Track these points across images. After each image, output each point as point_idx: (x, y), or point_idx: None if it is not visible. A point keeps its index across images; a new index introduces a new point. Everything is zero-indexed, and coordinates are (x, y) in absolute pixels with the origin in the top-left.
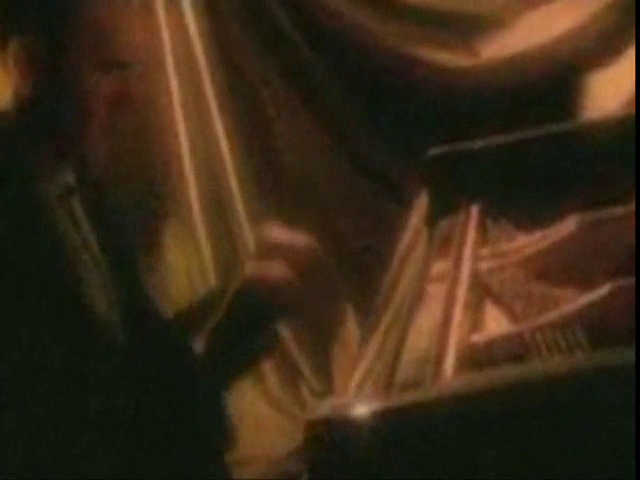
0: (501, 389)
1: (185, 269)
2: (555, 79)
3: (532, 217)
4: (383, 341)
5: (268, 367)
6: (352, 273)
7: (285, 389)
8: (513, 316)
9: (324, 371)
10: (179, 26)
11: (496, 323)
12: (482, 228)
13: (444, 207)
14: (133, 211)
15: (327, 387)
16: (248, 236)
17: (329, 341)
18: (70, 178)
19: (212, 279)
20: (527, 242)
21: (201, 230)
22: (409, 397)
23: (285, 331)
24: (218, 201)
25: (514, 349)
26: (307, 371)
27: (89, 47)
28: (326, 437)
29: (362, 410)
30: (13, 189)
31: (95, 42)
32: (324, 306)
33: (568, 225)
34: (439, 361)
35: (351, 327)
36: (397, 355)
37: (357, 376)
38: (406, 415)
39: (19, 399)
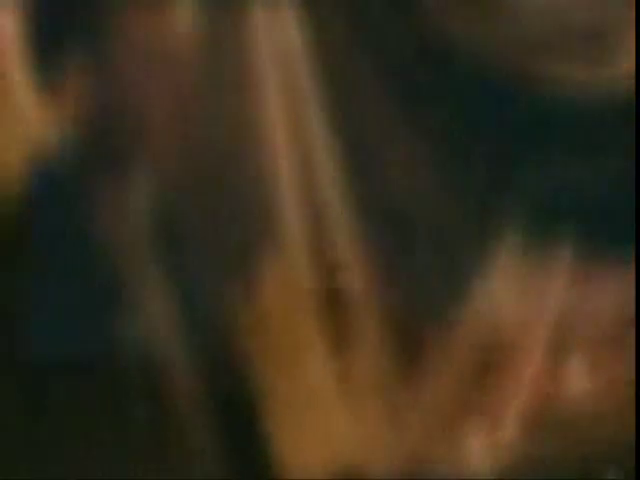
0: (571, 456)
1: (283, 309)
2: None
3: (629, 254)
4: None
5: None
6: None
7: None
8: (595, 367)
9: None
10: (275, 17)
11: (576, 375)
12: (572, 267)
13: (533, 241)
14: (217, 240)
15: None
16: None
17: None
18: (141, 207)
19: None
20: (619, 283)
21: (303, 264)
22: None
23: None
24: (319, 229)
25: (591, 407)
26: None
27: (138, 54)
28: None
29: None
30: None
31: (143, 46)
32: None
33: None
34: (501, 419)
35: None
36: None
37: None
38: None
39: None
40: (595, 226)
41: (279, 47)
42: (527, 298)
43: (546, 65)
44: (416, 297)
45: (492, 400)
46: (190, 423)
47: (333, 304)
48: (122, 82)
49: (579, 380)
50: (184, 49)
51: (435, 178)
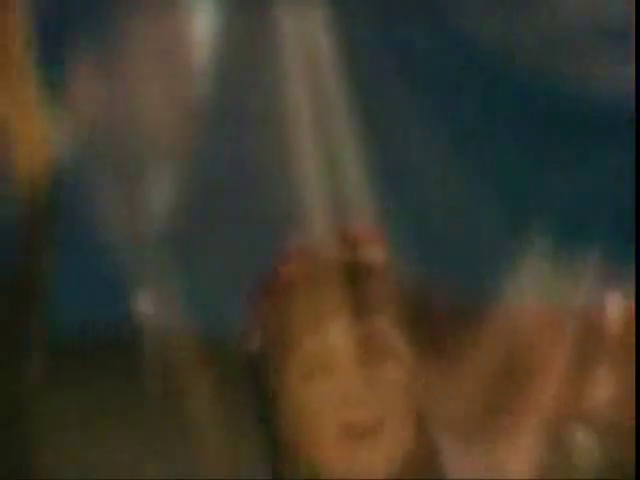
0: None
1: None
2: None
3: None
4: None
5: None
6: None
7: None
8: (622, 376)
9: None
10: (302, 17)
11: (603, 385)
12: (600, 272)
13: (560, 248)
14: (248, 220)
15: None
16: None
17: None
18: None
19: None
20: None
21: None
22: None
23: None
24: (343, 208)
25: (614, 419)
26: None
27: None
28: None
29: None
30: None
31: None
32: None
33: None
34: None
35: None
36: None
37: None
38: None
39: None
40: (624, 227)
41: (306, 46)
42: (554, 299)
43: (575, 64)
44: (435, 275)
45: (511, 392)
46: (211, 386)
47: (355, 276)
48: (142, 81)
49: (604, 384)
50: (208, 49)
51: (463, 175)
